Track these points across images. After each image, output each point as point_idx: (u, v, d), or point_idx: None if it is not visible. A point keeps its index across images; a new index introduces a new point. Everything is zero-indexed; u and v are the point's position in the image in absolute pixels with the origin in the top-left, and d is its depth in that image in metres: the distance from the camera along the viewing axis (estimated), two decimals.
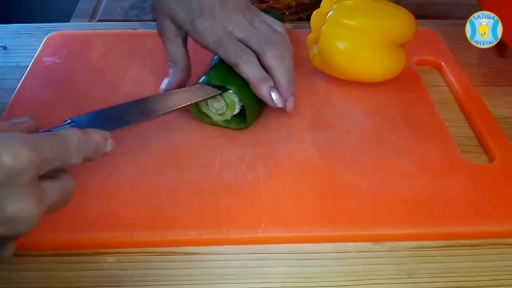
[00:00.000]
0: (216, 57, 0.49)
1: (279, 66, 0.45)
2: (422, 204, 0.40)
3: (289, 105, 0.46)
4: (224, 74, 0.46)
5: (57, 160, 0.30)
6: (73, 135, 0.31)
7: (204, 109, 0.47)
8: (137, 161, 0.44)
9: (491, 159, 0.45)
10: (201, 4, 0.45)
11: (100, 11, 0.71)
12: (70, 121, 0.37)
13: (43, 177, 0.29)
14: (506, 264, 0.37)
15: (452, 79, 0.54)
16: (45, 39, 0.59)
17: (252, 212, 0.39)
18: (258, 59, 0.45)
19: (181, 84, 0.48)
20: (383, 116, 0.49)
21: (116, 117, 0.39)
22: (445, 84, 0.55)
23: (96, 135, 0.33)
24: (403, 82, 0.53)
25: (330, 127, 0.48)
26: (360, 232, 0.39)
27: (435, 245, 0.38)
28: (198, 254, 0.37)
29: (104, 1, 0.74)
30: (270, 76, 0.45)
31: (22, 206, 0.27)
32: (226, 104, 0.46)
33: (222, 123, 0.47)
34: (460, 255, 0.38)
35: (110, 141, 0.34)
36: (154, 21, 0.49)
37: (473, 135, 0.48)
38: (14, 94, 0.51)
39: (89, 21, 0.69)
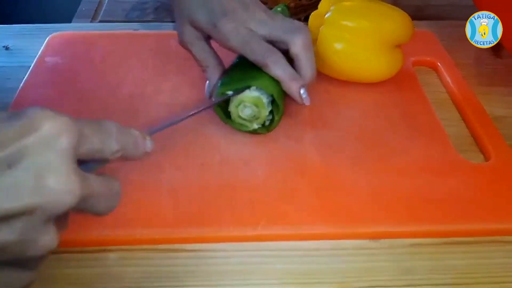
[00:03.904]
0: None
1: (307, 56, 0.45)
2: (419, 202, 0.41)
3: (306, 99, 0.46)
4: (243, 75, 0.45)
5: (96, 141, 0.28)
6: (111, 123, 0.30)
7: (238, 120, 0.46)
8: (138, 160, 0.44)
9: (486, 158, 0.46)
10: (222, 6, 0.44)
11: (102, 12, 0.72)
12: None
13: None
14: (502, 262, 0.38)
15: (448, 79, 0.54)
16: (47, 39, 0.59)
17: (252, 210, 0.40)
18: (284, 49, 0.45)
19: None
20: (380, 116, 0.50)
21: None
22: (441, 84, 0.55)
23: (134, 130, 0.32)
24: (400, 83, 0.53)
25: (328, 126, 0.48)
26: (358, 229, 0.39)
27: (432, 242, 0.39)
28: (199, 251, 0.38)
29: (106, 2, 0.74)
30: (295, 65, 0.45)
31: (60, 174, 0.25)
32: (256, 106, 0.45)
33: (263, 130, 0.46)
34: (457, 252, 0.38)
35: (148, 138, 0.33)
36: (155, 21, 0.49)
37: (469, 135, 0.49)
38: (16, 94, 0.51)
39: (91, 22, 0.70)
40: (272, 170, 0.43)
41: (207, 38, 0.48)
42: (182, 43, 0.48)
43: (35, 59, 0.56)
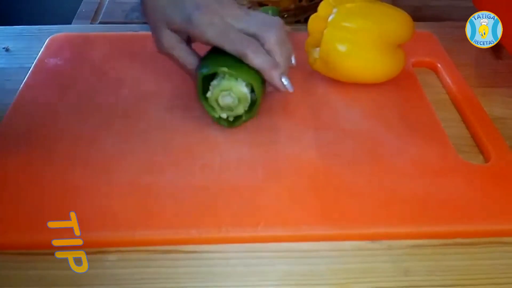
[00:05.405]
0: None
1: (280, 51, 0.45)
2: (418, 203, 0.41)
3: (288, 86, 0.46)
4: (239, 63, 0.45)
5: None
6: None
7: (211, 102, 0.46)
8: (137, 161, 0.44)
9: (486, 159, 0.46)
10: (195, 1, 0.45)
11: (102, 13, 0.72)
12: None
13: None
14: (501, 263, 0.38)
15: (448, 80, 0.54)
16: (47, 40, 0.59)
17: (251, 211, 0.40)
18: None
19: None
20: (380, 116, 0.50)
21: None
22: (441, 85, 0.55)
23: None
24: (400, 83, 0.53)
25: (328, 127, 0.48)
26: (358, 230, 0.39)
27: (431, 243, 0.39)
28: (198, 252, 0.38)
29: (106, 4, 0.74)
30: None
31: None
32: (238, 99, 0.45)
33: (225, 123, 0.47)
34: (456, 253, 0.38)
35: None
36: None
37: (469, 136, 0.48)
38: (16, 95, 0.51)
39: (91, 23, 0.70)
40: (271, 171, 0.43)
41: (187, 40, 0.48)
42: (161, 49, 0.48)
43: (35, 60, 0.56)
